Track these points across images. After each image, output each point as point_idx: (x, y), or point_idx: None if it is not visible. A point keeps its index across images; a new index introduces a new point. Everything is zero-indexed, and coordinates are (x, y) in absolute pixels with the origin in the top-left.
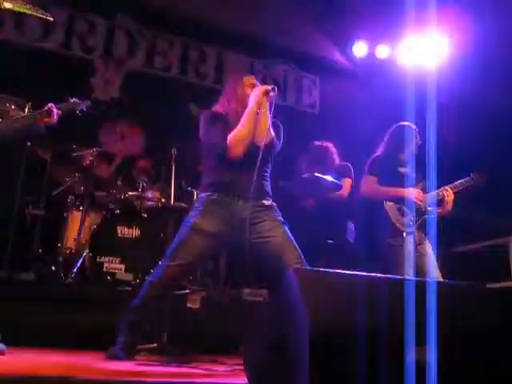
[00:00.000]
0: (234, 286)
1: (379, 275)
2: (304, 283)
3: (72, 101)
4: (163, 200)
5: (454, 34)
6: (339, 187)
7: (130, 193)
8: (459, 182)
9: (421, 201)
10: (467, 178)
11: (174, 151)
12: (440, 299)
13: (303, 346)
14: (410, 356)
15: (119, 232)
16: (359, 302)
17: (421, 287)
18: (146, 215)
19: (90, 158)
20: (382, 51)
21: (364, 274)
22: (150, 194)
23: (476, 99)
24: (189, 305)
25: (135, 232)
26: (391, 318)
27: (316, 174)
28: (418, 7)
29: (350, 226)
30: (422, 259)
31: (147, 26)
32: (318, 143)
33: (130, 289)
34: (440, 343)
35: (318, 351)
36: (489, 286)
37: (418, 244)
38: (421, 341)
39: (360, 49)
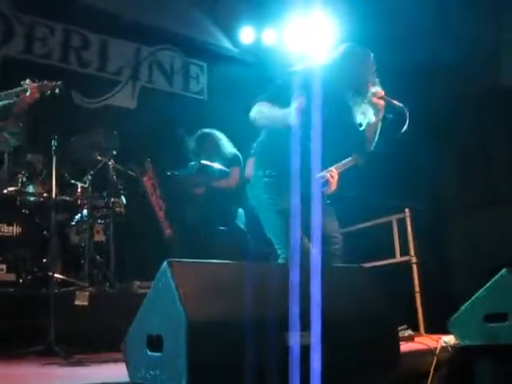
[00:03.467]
0: (123, 279)
1: (257, 262)
2: (178, 276)
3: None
4: (45, 194)
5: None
6: (226, 174)
7: (9, 188)
8: (342, 162)
9: None
10: (349, 158)
11: (53, 142)
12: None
13: (180, 342)
14: (294, 341)
15: None
16: (237, 290)
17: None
18: (27, 211)
19: None
20: (270, 36)
21: (236, 262)
22: (30, 189)
23: None
24: (77, 302)
25: (16, 229)
26: (273, 304)
27: (202, 161)
28: None
29: (241, 212)
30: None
31: (24, 10)
32: (205, 131)
33: (13, 290)
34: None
35: (195, 344)
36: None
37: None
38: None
39: (247, 34)
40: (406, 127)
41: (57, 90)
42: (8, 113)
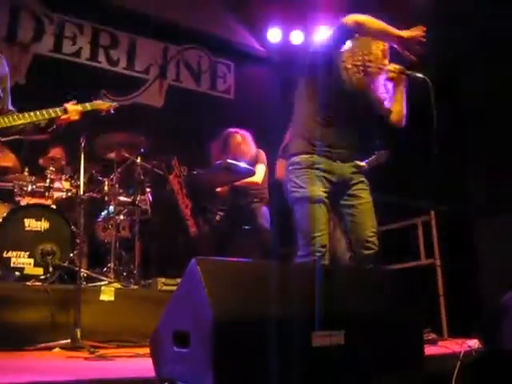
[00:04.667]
0: (148, 275)
1: (282, 262)
2: (206, 274)
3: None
4: (73, 190)
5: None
6: (253, 173)
7: (38, 183)
8: (365, 161)
9: None
10: (372, 157)
11: (82, 140)
12: (342, 283)
13: (206, 339)
14: (316, 341)
15: (27, 225)
16: (264, 290)
17: (324, 273)
18: (54, 207)
19: None
20: (297, 37)
21: (265, 261)
22: (59, 185)
23: None
24: (102, 297)
25: (44, 224)
26: (295, 305)
27: (229, 160)
28: None
29: (265, 211)
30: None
31: (54, 9)
32: (231, 130)
33: (40, 284)
34: (346, 327)
35: (221, 343)
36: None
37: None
38: (327, 325)
39: (274, 35)
40: (433, 98)
41: (112, 111)
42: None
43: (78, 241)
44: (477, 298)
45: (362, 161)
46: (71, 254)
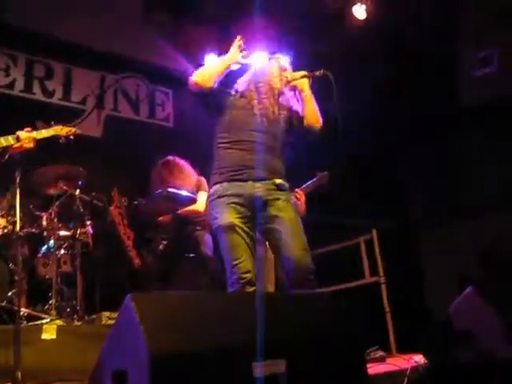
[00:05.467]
0: (92, 310)
1: (220, 292)
2: (142, 309)
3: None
4: (9, 227)
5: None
6: (194, 201)
7: None
8: (307, 183)
9: None
10: (314, 179)
11: (17, 174)
12: (281, 310)
13: (144, 377)
14: (257, 371)
15: None
16: (202, 321)
17: (263, 301)
18: None
19: None
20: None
21: (203, 292)
22: None
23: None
24: (44, 336)
25: None
26: (234, 335)
27: (170, 189)
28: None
29: (208, 238)
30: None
31: None
32: (170, 158)
33: None
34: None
35: (159, 379)
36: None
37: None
38: (268, 354)
39: (211, 61)
40: (335, 88)
41: (71, 137)
42: None
43: (16, 278)
44: (423, 313)
45: (302, 184)
46: (10, 293)
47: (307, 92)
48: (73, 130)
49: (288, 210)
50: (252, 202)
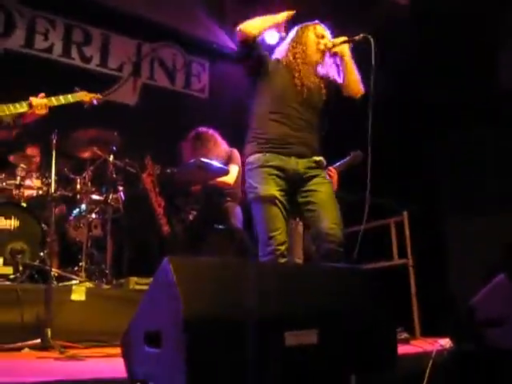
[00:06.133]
0: (120, 275)
1: (255, 260)
2: (179, 272)
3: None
4: (44, 188)
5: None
6: (226, 172)
7: (8, 181)
8: (341, 162)
9: None
10: (347, 158)
11: (54, 137)
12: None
13: (178, 339)
14: (290, 340)
15: None
16: (236, 288)
17: (297, 271)
18: (25, 205)
19: None
20: (272, 37)
21: (237, 259)
22: (29, 183)
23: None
24: (73, 297)
25: (14, 223)
26: (268, 303)
27: (202, 159)
28: None
29: (238, 211)
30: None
31: (25, 4)
32: (204, 129)
33: (10, 283)
34: (320, 326)
35: (193, 342)
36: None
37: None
38: (300, 324)
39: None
40: (374, 56)
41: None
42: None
43: (48, 239)
44: (448, 298)
45: (336, 161)
46: (42, 253)
47: (348, 58)
48: (97, 96)
49: (325, 185)
50: (292, 176)
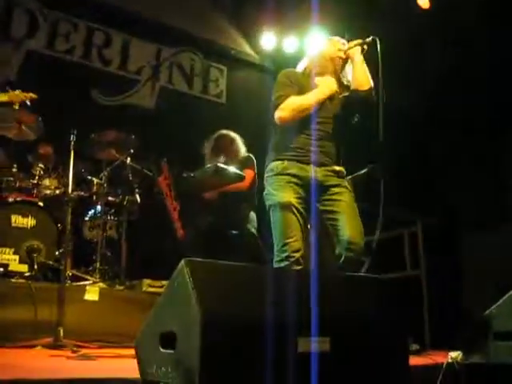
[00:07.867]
0: (133, 277)
1: (270, 266)
2: (195, 275)
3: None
4: (61, 188)
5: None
6: (242, 178)
7: (26, 180)
8: (357, 173)
9: None
10: (364, 170)
11: (72, 138)
12: (328, 289)
13: (193, 341)
14: (304, 346)
15: (13, 221)
16: (252, 293)
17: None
18: (42, 204)
19: None
20: (290, 44)
21: (253, 264)
22: (47, 182)
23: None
24: (86, 297)
25: (30, 222)
26: (283, 309)
27: (218, 164)
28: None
29: (253, 216)
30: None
31: (49, 6)
32: (222, 133)
33: (24, 281)
34: (330, 333)
35: (209, 344)
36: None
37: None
38: (312, 331)
39: (268, 41)
40: (380, 58)
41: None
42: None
43: (64, 239)
44: (461, 310)
45: (354, 172)
46: (57, 252)
47: (358, 57)
48: (29, 95)
49: (346, 195)
50: (310, 185)
